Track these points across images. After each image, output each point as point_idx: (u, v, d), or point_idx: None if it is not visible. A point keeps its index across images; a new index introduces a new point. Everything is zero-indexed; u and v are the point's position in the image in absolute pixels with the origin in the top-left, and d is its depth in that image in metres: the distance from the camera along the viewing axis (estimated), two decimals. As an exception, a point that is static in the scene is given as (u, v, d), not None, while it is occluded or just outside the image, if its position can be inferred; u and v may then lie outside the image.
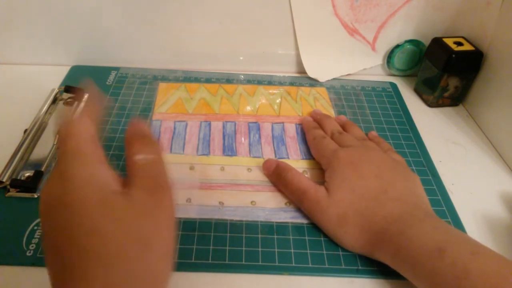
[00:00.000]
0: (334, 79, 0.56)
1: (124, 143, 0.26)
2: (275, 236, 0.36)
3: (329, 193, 0.36)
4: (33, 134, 0.43)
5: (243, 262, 0.34)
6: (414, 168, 0.44)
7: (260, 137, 0.46)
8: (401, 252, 0.31)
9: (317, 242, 0.36)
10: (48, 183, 0.23)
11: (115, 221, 0.22)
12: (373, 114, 0.51)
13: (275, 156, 0.44)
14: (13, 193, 0.38)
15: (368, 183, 0.36)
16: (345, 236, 0.34)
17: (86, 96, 0.26)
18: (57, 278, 0.21)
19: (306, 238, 0.36)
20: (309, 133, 0.44)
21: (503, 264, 0.28)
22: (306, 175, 0.41)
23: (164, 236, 0.24)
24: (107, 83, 0.52)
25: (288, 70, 0.58)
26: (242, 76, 0.55)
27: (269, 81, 0.55)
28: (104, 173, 0.24)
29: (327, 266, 0.34)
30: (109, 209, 0.22)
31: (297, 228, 0.37)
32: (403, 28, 0.55)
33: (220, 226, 0.36)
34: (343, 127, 0.45)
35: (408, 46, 0.56)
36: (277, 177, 0.40)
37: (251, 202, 0.39)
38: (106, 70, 0.54)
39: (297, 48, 0.56)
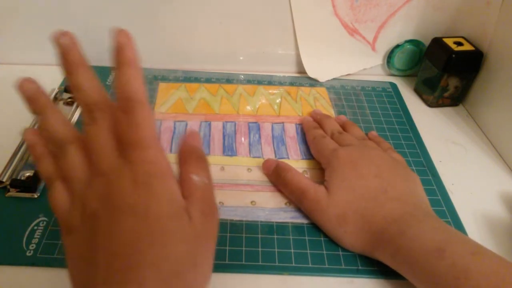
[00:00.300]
0: (334, 79, 0.56)
1: (179, 156, 0.26)
2: (275, 236, 0.36)
3: (329, 192, 0.36)
4: (33, 134, 0.43)
5: (243, 262, 0.34)
6: (414, 168, 0.44)
7: (260, 137, 0.46)
8: (401, 252, 0.31)
9: (317, 242, 0.36)
10: (121, 189, 0.23)
11: (181, 240, 0.22)
12: (373, 114, 0.51)
13: (275, 156, 0.44)
14: (13, 193, 0.38)
15: (368, 183, 0.35)
16: (345, 236, 0.34)
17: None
18: (93, 280, 0.21)
19: (306, 238, 0.36)
20: (309, 133, 0.44)
21: (503, 265, 0.28)
22: (306, 175, 0.41)
23: (210, 259, 0.25)
24: (107, 83, 0.52)
25: (288, 70, 0.58)
26: (242, 76, 0.55)
27: (269, 81, 0.55)
28: (176, 187, 0.24)
29: (327, 266, 0.34)
30: (177, 226, 0.23)
31: (297, 228, 0.37)
32: (403, 28, 0.55)
33: (220, 226, 0.36)
34: (343, 127, 0.45)
35: (408, 46, 0.56)
36: (277, 177, 0.40)
37: (251, 202, 0.39)
38: (106, 70, 0.54)
39: (297, 48, 0.56)
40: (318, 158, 0.42)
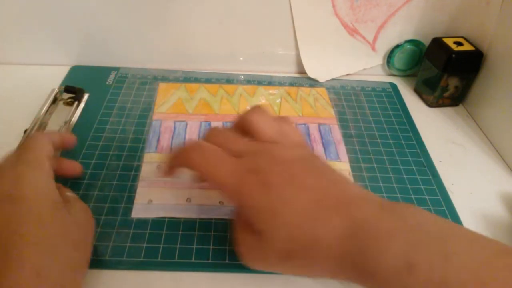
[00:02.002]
0: (334, 79, 0.56)
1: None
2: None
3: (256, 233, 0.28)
4: (33, 134, 0.43)
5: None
6: (414, 168, 0.44)
7: (260, 137, 0.46)
8: (367, 276, 0.25)
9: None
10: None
11: (60, 224, 0.28)
12: (373, 114, 0.51)
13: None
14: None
15: (294, 202, 0.28)
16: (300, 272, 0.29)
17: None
18: None
19: (306, 238, 0.36)
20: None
21: (483, 262, 0.24)
22: None
23: (89, 244, 0.31)
24: (107, 83, 0.52)
25: (288, 71, 0.58)
26: (242, 77, 0.55)
27: (269, 82, 0.55)
28: (55, 188, 0.30)
29: (327, 266, 0.34)
30: (57, 214, 0.28)
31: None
32: (403, 28, 0.55)
33: (220, 225, 0.36)
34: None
35: (408, 46, 0.56)
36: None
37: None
38: (106, 70, 0.54)
39: (297, 48, 0.56)
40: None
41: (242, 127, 0.33)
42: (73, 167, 0.38)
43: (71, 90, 0.49)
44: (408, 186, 0.42)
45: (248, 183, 0.28)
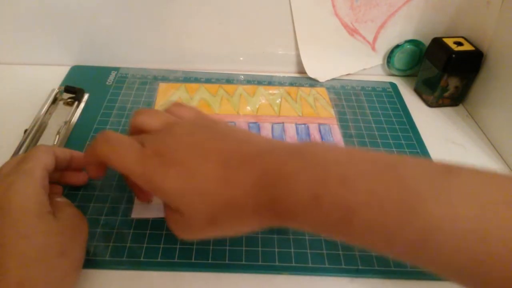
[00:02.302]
0: (334, 79, 0.56)
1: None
2: (275, 236, 0.36)
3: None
4: (33, 134, 0.43)
5: (243, 262, 0.34)
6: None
7: (260, 137, 0.46)
8: (285, 219, 0.26)
9: (317, 241, 0.36)
10: None
11: (44, 233, 0.28)
12: (373, 114, 0.51)
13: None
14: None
15: (201, 170, 0.27)
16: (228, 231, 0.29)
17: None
18: None
19: (306, 237, 0.36)
20: None
21: (375, 178, 0.24)
22: None
23: (78, 249, 0.30)
24: (107, 83, 0.52)
25: (288, 70, 0.58)
26: (242, 77, 0.55)
27: (269, 82, 0.55)
28: (45, 197, 0.30)
29: (327, 266, 0.34)
30: (42, 223, 0.28)
31: (297, 228, 0.37)
32: (403, 28, 0.55)
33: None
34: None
35: (408, 46, 0.56)
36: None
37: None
38: (106, 70, 0.54)
39: (297, 48, 0.56)
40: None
41: (137, 131, 0.33)
42: (76, 177, 0.38)
43: (71, 90, 0.49)
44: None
45: (152, 168, 0.28)
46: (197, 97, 0.51)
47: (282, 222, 0.26)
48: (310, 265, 0.34)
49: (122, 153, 0.29)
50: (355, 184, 0.23)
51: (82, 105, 0.48)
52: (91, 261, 0.33)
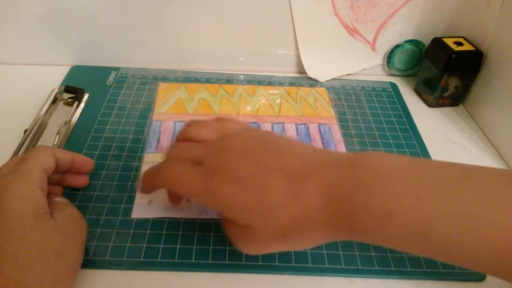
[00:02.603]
0: (334, 79, 0.56)
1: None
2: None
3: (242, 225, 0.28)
4: (33, 134, 0.43)
5: (243, 262, 0.34)
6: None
7: (260, 137, 0.46)
8: (355, 234, 0.26)
9: (317, 242, 0.36)
10: None
11: (41, 233, 0.28)
12: (373, 114, 0.51)
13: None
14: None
15: (267, 186, 0.28)
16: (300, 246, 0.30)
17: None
18: None
19: (306, 238, 0.36)
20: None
21: (446, 192, 0.24)
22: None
23: (76, 249, 0.30)
24: (107, 83, 0.52)
25: (288, 70, 0.58)
26: (242, 77, 0.55)
27: (269, 82, 0.55)
28: (42, 197, 0.30)
29: (327, 266, 0.34)
30: (39, 223, 0.28)
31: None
32: (403, 28, 0.55)
33: (220, 226, 0.36)
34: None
35: (408, 46, 0.56)
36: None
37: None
38: (106, 70, 0.54)
39: (297, 48, 0.56)
40: None
41: (185, 140, 0.33)
42: (77, 179, 0.38)
43: (71, 90, 0.49)
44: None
45: (216, 187, 0.28)
46: (197, 97, 0.51)
47: (353, 237, 0.27)
48: (310, 265, 0.34)
49: (185, 179, 0.30)
50: (426, 199, 0.24)
51: (82, 105, 0.48)
52: (91, 261, 0.33)
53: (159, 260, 0.33)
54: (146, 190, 0.35)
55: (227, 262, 0.34)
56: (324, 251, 0.35)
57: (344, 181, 0.26)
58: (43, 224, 0.28)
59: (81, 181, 0.38)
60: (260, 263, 0.34)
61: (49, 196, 0.31)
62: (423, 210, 0.24)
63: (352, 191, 0.25)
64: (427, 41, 0.54)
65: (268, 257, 0.34)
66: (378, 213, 0.24)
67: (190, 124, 0.34)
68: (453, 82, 0.51)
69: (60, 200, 0.33)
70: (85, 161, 0.38)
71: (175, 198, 0.37)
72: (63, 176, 0.37)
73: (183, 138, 0.33)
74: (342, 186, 0.26)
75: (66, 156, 0.35)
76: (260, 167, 0.28)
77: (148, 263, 0.33)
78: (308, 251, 0.35)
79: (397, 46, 0.56)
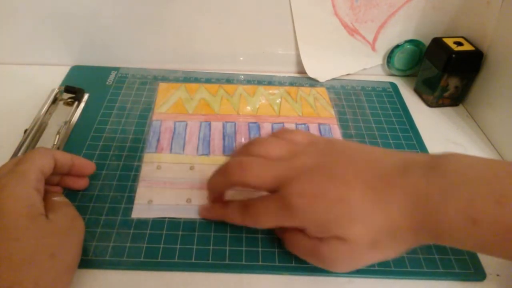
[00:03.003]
0: (334, 79, 0.56)
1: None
2: (275, 236, 0.36)
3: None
4: (33, 134, 0.43)
5: (243, 262, 0.34)
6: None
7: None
8: (439, 238, 0.27)
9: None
10: None
11: (35, 235, 0.28)
12: (373, 114, 0.51)
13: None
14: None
15: (353, 198, 0.29)
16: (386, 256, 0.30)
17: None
18: None
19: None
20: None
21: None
22: None
23: (71, 250, 0.30)
24: (107, 83, 0.52)
25: (288, 70, 0.58)
26: (242, 76, 0.55)
27: (269, 81, 0.55)
28: (37, 198, 0.30)
29: (327, 266, 0.34)
30: (33, 225, 0.28)
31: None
32: (403, 28, 0.55)
33: (220, 226, 0.36)
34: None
35: (408, 46, 0.56)
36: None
37: (251, 202, 0.39)
38: (106, 70, 0.54)
39: (297, 48, 0.56)
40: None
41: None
42: (76, 182, 0.38)
43: (71, 90, 0.49)
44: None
45: (303, 206, 0.28)
46: (197, 97, 0.51)
47: (438, 241, 0.27)
48: (310, 265, 0.34)
49: (260, 173, 0.30)
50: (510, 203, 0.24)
51: (82, 105, 0.48)
52: (91, 261, 0.33)
53: (159, 260, 0.33)
54: (216, 189, 0.35)
55: (227, 262, 0.34)
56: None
57: (428, 186, 0.27)
58: (37, 225, 0.28)
59: (81, 183, 0.38)
60: (260, 263, 0.34)
61: (47, 195, 0.31)
62: (505, 215, 0.24)
63: (436, 195, 0.26)
64: (427, 41, 0.54)
65: (268, 258, 0.34)
66: (463, 218, 0.25)
67: (254, 143, 0.34)
68: (453, 82, 0.51)
69: (58, 199, 0.33)
70: (85, 164, 0.37)
71: (216, 197, 0.36)
72: (62, 178, 0.37)
73: (246, 152, 0.33)
74: (427, 191, 0.27)
75: (66, 159, 0.35)
76: (338, 181, 0.29)
77: (148, 263, 0.33)
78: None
79: (397, 46, 0.56)
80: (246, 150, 0.33)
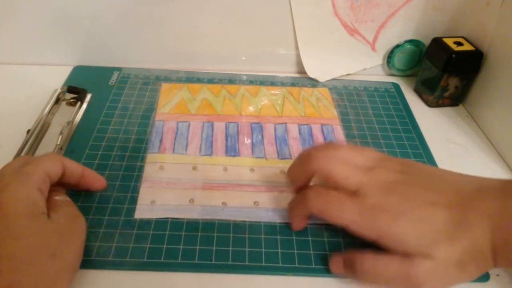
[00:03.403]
0: (336, 79, 0.56)
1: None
2: (279, 237, 0.36)
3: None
4: (36, 135, 0.43)
5: (246, 263, 0.34)
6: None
7: (262, 137, 0.46)
8: None
9: (319, 242, 0.36)
10: None
11: (36, 234, 0.28)
12: (376, 115, 0.51)
13: (278, 157, 0.44)
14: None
15: (435, 217, 0.30)
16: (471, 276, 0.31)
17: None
18: None
19: (309, 238, 0.36)
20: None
21: None
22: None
23: (72, 250, 0.30)
24: (109, 83, 0.52)
25: (290, 70, 0.58)
26: (245, 77, 0.56)
27: (272, 82, 0.55)
28: (39, 198, 0.30)
29: (328, 267, 0.34)
30: (34, 224, 0.28)
31: (300, 228, 0.37)
32: (403, 28, 0.55)
33: (223, 226, 0.37)
34: None
35: (408, 46, 0.56)
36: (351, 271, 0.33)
37: (254, 202, 0.39)
38: (109, 71, 0.55)
39: (297, 48, 0.56)
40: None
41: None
42: (87, 182, 0.37)
43: (74, 90, 0.49)
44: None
45: (380, 220, 0.30)
46: (200, 97, 0.51)
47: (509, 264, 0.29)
48: (313, 266, 0.34)
49: (338, 207, 0.32)
50: None
51: (84, 105, 0.48)
52: (94, 262, 0.33)
53: (162, 260, 0.34)
54: (297, 220, 0.36)
55: (230, 262, 0.34)
56: (327, 252, 0.35)
57: (505, 211, 0.28)
58: (38, 224, 0.28)
59: (97, 184, 0.38)
60: (263, 264, 0.34)
61: (50, 195, 0.31)
62: None
63: (508, 223, 0.28)
64: (427, 41, 0.54)
65: (272, 259, 0.34)
66: None
67: (332, 146, 0.35)
68: (453, 82, 0.51)
69: (60, 198, 0.33)
70: (95, 178, 0.37)
71: (297, 223, 0.36)
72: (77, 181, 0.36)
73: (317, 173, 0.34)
74: (506, 215, 0.28)
75: (77, 169, 0.35)
76: (420, 201, 0.30)
77: (151, 263, 0.33)
78: (311, 252, 0.35)
79: (397, 46, 0.56)
80: (326, 148, 0.35)
